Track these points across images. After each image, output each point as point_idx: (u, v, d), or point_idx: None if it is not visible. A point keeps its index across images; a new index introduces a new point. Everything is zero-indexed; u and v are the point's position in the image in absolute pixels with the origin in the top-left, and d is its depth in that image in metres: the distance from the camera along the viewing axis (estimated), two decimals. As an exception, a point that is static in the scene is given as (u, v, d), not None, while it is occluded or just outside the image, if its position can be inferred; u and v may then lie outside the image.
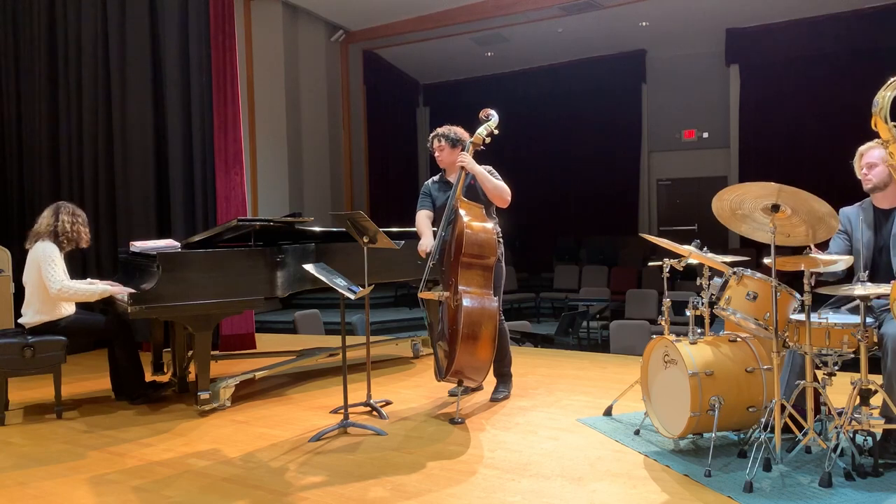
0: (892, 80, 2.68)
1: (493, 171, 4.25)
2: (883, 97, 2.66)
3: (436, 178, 4.48)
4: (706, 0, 10.51)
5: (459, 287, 3.90)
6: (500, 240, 4.22)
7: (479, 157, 4.26)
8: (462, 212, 4.01)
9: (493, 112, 4.34)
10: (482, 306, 3.88)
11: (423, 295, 4.17)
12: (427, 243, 4.19)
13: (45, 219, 4.48)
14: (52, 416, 4.28)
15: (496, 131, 4.31)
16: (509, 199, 4.19)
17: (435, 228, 4.27)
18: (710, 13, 10.92)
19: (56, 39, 6.93)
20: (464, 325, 3.78)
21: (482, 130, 4.29)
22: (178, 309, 4.14)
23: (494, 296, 4.02)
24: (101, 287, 4.38)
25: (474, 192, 4.22)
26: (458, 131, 4.35)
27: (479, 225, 4.00)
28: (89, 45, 6.73)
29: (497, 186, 4.16)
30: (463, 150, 4.23)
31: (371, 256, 4.06)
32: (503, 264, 4.26)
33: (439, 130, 4.36)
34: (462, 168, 4.16)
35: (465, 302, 3.84)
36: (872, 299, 2.98)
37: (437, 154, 4.36)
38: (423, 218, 4.36)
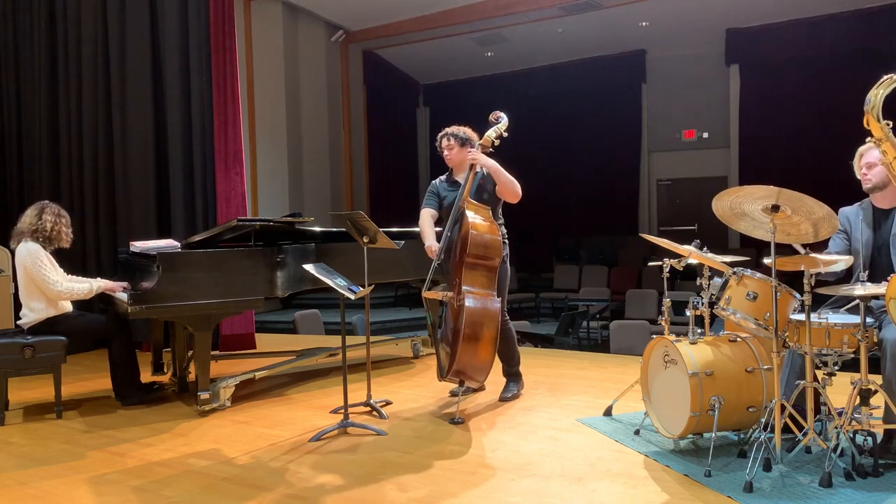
0: (884, 78, 2.67)
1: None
2: (875, 95, 2.66)
3: (443, 177, 4.46)
4: (706, 0, 10.51)
5: (463, 287, 3.89)
6: (506, 241, 4.22)
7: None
8: (469, 213, 4.00)
9: (502, 115, 4.32)
10: (485, 307, 3.89)
11: (427, 294, 4.16)
12: (432, 243, 4.19)
13: (28, 217, 4.41)
14: (52, 416, 4.28)
15: (505, 134, 4.30)
16: (520, 193, 4.17)
17: (440, 228, 4.26)
18: (710, 13, 10.92)
19: (56, 39, 6.92)
20: (465, 325, 3.78)
21: (491, 132, 4.27)
22: (178, 309, 4.14)
23: (498, 297, 4.02)
24: (97, 283, 4.38)
25: (482, 192, 4.21)
26: (468, 131, 4.34)
27: (486, 226, 3.99)
28: (89, 45, 6.72)
29: (510, 180, 4.14)
30: (472, 149, 4.22)
31: (371, 256, 4.05)
32: (508, 265, 4.25)
33: (448, 130, 4.35)
34: (471, 167, 4.15)
35: (468, 302, 3.84)
36: (871, 299, 2.98)
37: (445, 153, 4.34)
38: (427, 216, 4.34)
